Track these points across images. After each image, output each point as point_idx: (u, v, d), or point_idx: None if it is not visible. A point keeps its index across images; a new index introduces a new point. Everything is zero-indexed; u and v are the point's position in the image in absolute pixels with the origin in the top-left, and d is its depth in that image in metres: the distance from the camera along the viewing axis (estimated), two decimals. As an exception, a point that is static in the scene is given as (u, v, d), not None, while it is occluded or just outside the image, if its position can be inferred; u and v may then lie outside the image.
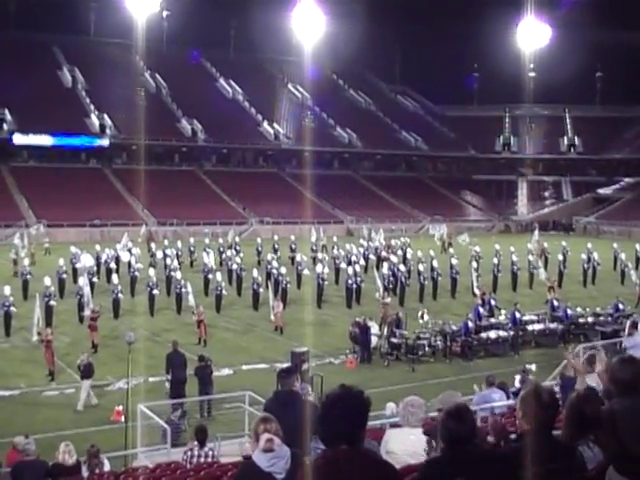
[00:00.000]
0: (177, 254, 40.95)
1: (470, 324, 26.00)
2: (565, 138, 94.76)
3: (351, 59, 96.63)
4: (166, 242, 45.55)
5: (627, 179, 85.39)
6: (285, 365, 17.47)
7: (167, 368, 19.83)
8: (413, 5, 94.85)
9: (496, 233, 70.93)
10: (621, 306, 29.09)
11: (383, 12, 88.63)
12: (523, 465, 3.87)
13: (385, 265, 37.37)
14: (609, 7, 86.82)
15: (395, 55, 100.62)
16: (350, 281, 33.98)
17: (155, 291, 31.52)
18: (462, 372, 22.72)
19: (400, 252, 43.70)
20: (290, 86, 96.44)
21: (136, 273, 35.20)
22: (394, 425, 7.60)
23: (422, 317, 27.13)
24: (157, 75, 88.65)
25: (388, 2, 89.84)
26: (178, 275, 32.71)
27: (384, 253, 43.28)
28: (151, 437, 15.04)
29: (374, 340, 25.29)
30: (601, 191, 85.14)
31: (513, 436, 5.61)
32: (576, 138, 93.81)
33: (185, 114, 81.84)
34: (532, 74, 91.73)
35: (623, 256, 42.55)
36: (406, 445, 5.33)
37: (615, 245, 45.14)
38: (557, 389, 12.16)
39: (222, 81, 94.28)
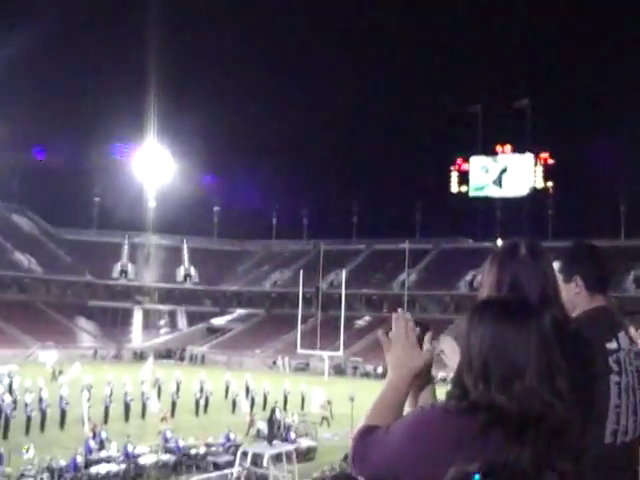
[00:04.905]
0: None
1: (79, 459, 24.73)
2: (182, 268, 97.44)
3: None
4: None
5: (239, 310, 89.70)
6: None
7: None
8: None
9: (110, 361, 69.43)
10: (232, 436, 29.88)
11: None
12: None
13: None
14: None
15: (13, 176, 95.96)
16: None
17: None
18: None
19: (6, 381, 40.61)
20: None
21: None
22: None
23: (27, 452, 25.26)
24: None
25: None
26: None
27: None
28: None
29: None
30: (214, 321, 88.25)
31: None
32: (192, 269, 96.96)
33: None
34: (153, 204, 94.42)
35: (234, 385, 44.02)
36: None
37: (227, 374, 46.56)
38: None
39: None
